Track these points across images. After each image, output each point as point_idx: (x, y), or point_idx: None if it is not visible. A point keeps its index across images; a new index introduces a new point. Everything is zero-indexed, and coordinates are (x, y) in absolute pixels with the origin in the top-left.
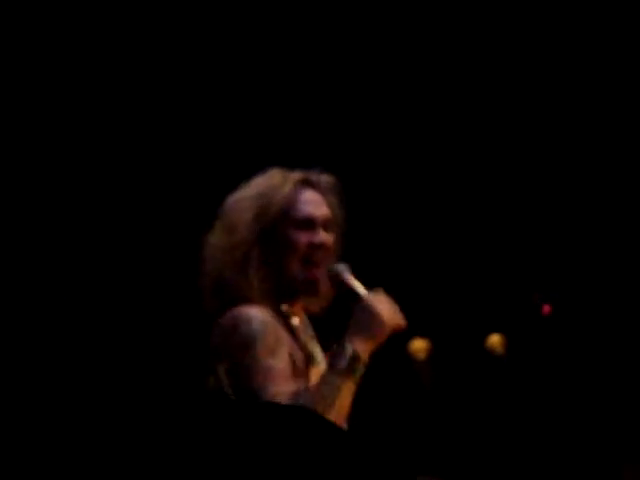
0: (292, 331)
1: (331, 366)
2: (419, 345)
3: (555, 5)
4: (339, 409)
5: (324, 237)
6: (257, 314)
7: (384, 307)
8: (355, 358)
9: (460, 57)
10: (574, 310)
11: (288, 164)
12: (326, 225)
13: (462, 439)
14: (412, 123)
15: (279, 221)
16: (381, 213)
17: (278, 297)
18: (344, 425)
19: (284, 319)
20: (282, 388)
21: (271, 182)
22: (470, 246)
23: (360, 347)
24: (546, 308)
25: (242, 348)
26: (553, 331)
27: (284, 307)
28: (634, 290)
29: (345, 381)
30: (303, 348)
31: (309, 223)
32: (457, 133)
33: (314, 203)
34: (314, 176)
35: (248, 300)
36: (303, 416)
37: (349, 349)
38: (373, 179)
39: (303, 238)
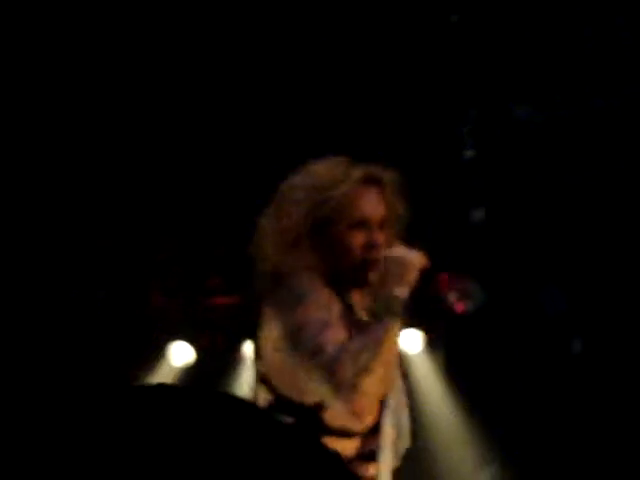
0: (349, 312)
1: (373, 314)
2: None
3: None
4: (388, 351)
5: (378, 237)
6: (307, 275)
7: (405, 252)
8: (394, 300)
9: None
10: (490, 307)
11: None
12: (381, 224)
13: None
14: None
15: (334, 217)
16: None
17: (332, 284)
18: (395, 369)
19: (338, 296)
20: (331, 337)
21: (331, 175)
22: None
23: (398, 292)
24: (460, 306)
25: (293, 304)
26: (468, 329)
27: (341, 290)
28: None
29: (389, 322)
30: (360, 324)
31: (365, 224)
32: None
33: (372, 203)
34: (376, 172)
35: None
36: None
37: (387, 295)
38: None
39: (358, 239)
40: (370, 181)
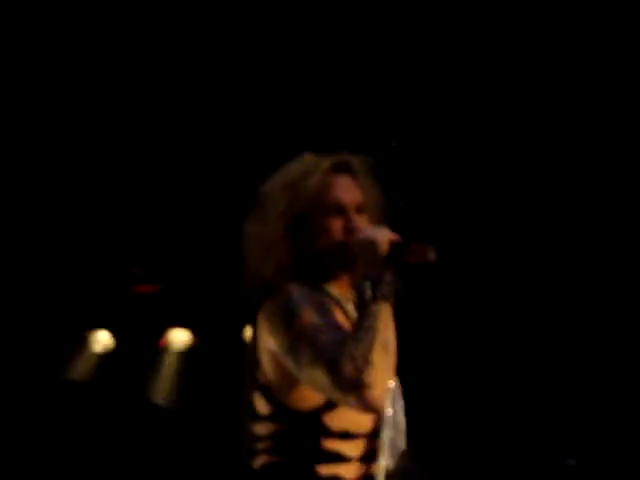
0: (339, 307)
1: (360, 304)
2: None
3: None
4: (383, 336)
5: (356, 221)
6: (295, 287)
7: (370, 232)
8: (374, 284)
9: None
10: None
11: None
12: (359, 208)
13: None
14: None
15: (311, 209)
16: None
17: (315, 280)
18: (395, 348)
19: (327, 297)
20: (326, 340)
21: (302, 169)
22: None
23: (373, 274)
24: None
25: (287, 320)
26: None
27: (325, 286)
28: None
29: (378, 306)
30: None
31: (341, 210)
32: None
33: (345, 189)
34: (345, 159)
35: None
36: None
37: (366, 282)
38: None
39: (336, 224)
40: (341, 169)
